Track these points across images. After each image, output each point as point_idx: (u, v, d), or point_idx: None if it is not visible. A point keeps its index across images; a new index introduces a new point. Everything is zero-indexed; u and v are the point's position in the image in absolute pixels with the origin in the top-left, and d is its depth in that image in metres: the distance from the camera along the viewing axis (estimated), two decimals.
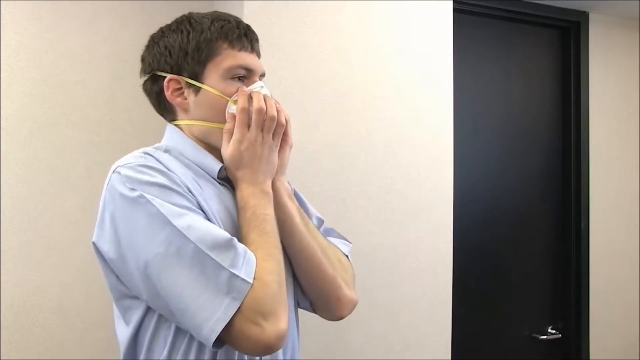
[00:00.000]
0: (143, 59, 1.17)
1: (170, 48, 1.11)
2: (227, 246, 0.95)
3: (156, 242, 0.95)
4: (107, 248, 1.01)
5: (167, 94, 1.12)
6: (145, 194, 0.97)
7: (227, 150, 1.08)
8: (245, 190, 1.06)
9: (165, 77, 1.11)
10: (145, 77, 1.17)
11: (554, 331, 2.52)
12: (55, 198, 1.88)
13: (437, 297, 2.04)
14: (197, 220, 0.97)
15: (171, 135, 1.16)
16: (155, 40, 1.15)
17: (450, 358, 2.06)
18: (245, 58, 1.12)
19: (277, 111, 1.10)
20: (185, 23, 1.13)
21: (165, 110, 1.16)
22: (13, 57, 1.85)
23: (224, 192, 1.12)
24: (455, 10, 2.13)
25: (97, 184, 1.97)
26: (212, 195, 1.08)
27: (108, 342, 1.94)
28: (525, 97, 2.54)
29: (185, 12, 2.12)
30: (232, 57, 1.10)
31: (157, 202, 0.96)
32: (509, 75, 2.52)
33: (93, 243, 1.05)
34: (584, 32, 2.58)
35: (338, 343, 1.88)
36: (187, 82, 1.10)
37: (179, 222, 0.95)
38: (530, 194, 2.54)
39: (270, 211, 1.06)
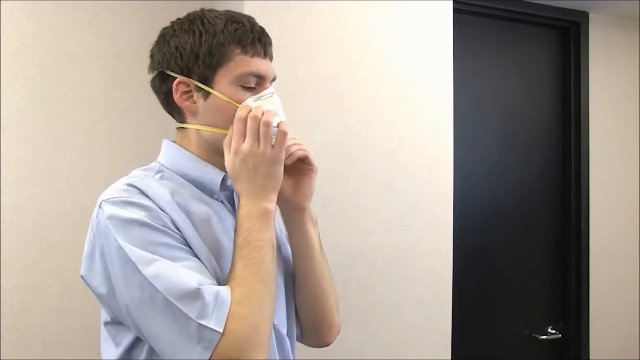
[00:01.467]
0: (152, 56, 1.13)
1: (181, 49, 1.07)
2: (194, 296, 0.91)
3: (132, 287, 0.94)
4: (97, 283, 1.01)
5: (176, 96, 1.07)
6: (117, 239, 0.96)
7: (226, 163, 1.03)
8: (242, 209, 1.01)
9: (174, 77, 1.07)
10: (154, 74, 1.13)
11: (554, 331, 2.52)
12: (55, 198, 1.88)
13: (437, 297, 2.04)
14: (166, 267, 0.94)
15: (167, 152, 1.13)
16: (166, 38, 1.10)
17: (450, 358, 2.06)
18: (257, 64, 1.07)
19: (281, 122, 1.04)
20: (198, 23, 1.07)
21: (174, 110, 1.12)
22: (13, 57, 1.85)
23: (221, 211, 1.08)
24: (455, 10, 2.13)
25: (97, 184, 1.96)
26: (203, 220, 1.04)
27: None
28: (525, 97, 2.54)
29: (185, 12, 2.11)
30: (245, 64, 1.05)
31: (128, 247, 0.95)
32: (509, 75, 2.52)
33: (82, 276, 1.04)
34: (584, 32, 2.58)
35: (338, 343, 1.88)
36: (196, 85, 1.06)
37: (148, 271, 0.93)
38: (530, 194, 2.54)
39: (265, 235, 0.99)
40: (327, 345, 1.25)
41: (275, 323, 1.09)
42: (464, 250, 2.26)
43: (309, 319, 1.20)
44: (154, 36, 2.14)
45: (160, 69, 1.10)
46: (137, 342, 1.01)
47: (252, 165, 1.00)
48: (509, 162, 2.50)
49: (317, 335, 1.23)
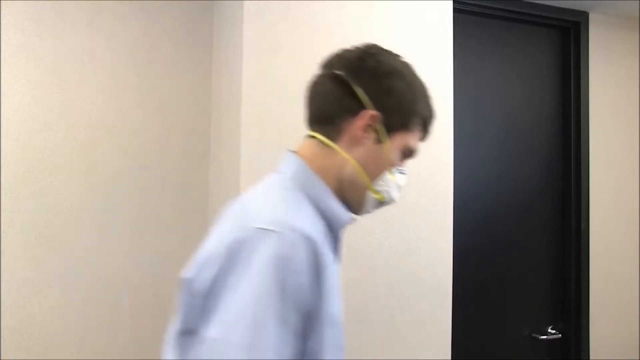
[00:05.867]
0: (349, 63, 1.09)
1: (391, 91, 1.06)
2: None
3: (234, 331, 0.85)
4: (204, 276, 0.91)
5: (358, 122, 1.03)
6: (263, 293, 0.85)
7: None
8: None
9: (362, 102, 1.04)
10: (327, 74, 1.10)
11: (554, 331, 2.52)
12: (55, 198, 1.88)
13: (437, 297, 2.04)
14: (266, 347, 0.84)
15: (302, 172, 1.04)
16: (382, 70, 1.07)
17: (450, 358, 2.06)
18: (419, 146, 1.12)
19: None
20: (412, 76, 1.10)
21: (333, 122, 1.06)
22: (13, 57, 1.85)
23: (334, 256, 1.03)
24: (455, 10, 2.13)
25: (97, 184, 1.98)
26: (335, 269, 0.99)
27: (108, 342, 1.94)
28: (525, 97, 2.54)
29: (185, 12, 2.12)
30: (415, 141, 1.10)
31: (264, 303, 0.85)
32: (509, 76, 2.52)
33: (184, 279, 0.95)
34: (584, 32, 2.58)
35: None
36: (381, 127, 1.04)
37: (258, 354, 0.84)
38: (530, 194, 2.54)
39: None
40: None
41: None
42: (464, 250, 2.26)
43: None
44: (154, 36, 2.15)
45: (355, 84, 1.06)
46: None
47: None
48: (509, 161, 2.50)
49: None
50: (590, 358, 2.55)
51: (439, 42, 2.08)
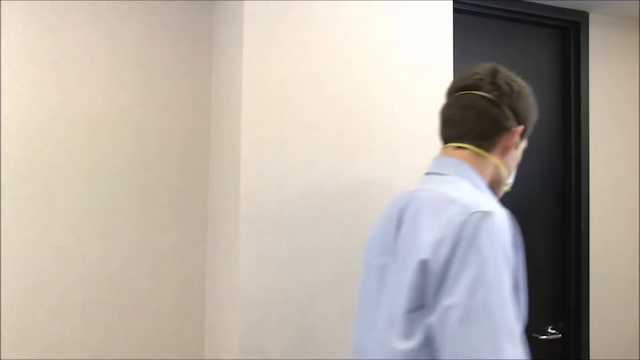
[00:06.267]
0: (500, 88, 1.30)
1: (529, 109, 1.35)
2: (516, 344, 1.15)
3: (481, 294, 1.05)
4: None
5: (512, 136, 1.30)
6: (491, 261, 1.07)
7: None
8: None
9: (508, 117, 1.30)
10: (478, 97, 1.29)
11: (554, 331, 2.52)
12: (55, 198, 1.88)
13: None
14: (513, 317, 1.12)
15: (472, 174, 1.27)
16: (524, 92, 1.35)
17: None
18: None
19: None
20: (530, 91, 1.39)
21: (490, 140, 1.29)
22: (13, 57, 1.85)
23: None
24: (455, 10, 2.13)
25: (97, 184, 1.98)
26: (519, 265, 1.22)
27: (108, 342, 1.94)
28: None
29: (185, 12, 2.12)
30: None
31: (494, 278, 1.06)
32: None
33: (421, 260, 1.10)
34: (584, 32, 2.58)
35: (339, 343, 1.88)
36: (520, 138, 1.33)
37: (501, 313, 1.09)
38: (530, 194, 2.54)
39: None
40: None
41: None
42: None
43: None
44: (154, 36, 2.15)
45: (507, 107, 1.30)
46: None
47: None
48: None
49: None
50: (590, 358, 2.55)
51: (439, 42, 2.08)
